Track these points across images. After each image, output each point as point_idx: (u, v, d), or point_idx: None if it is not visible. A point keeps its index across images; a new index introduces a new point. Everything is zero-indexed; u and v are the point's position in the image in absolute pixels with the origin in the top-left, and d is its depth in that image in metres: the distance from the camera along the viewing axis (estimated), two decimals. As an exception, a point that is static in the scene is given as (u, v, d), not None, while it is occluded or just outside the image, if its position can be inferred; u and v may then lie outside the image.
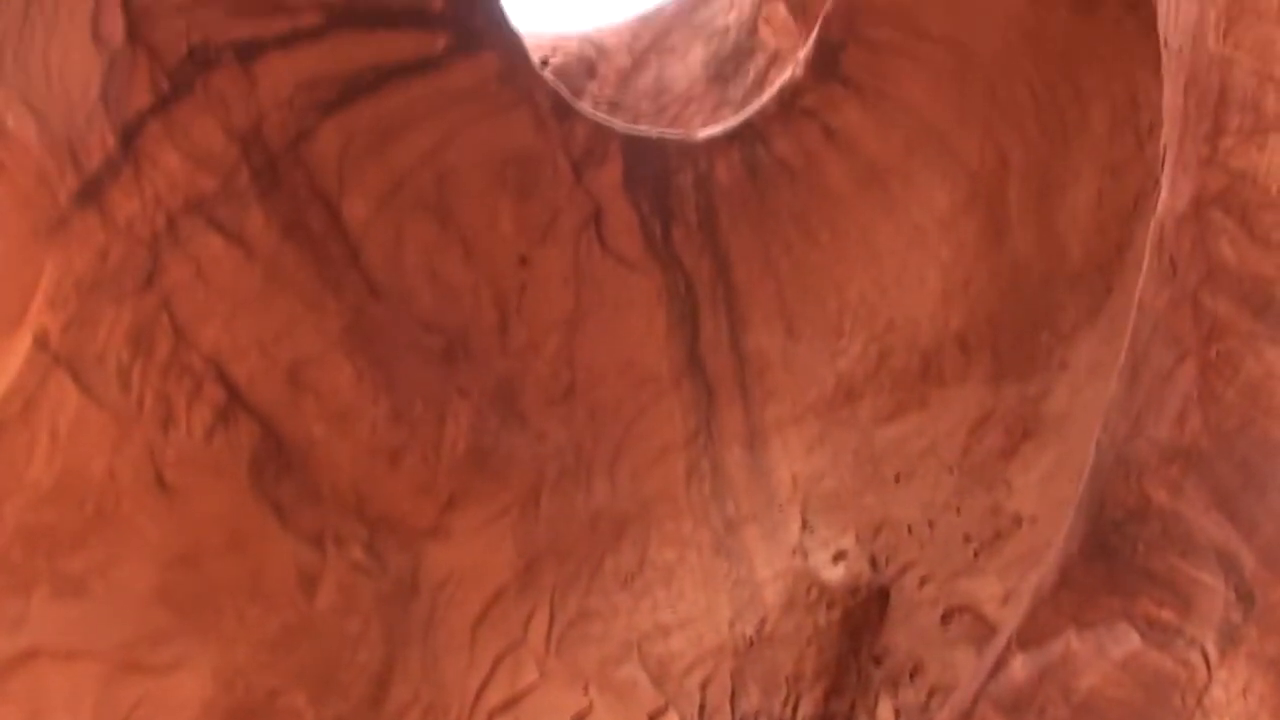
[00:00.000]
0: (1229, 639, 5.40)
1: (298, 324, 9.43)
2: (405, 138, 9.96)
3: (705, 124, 12.03)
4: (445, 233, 10.24)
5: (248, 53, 9.22)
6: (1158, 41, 5.50)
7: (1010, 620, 7.33)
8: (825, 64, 10.51)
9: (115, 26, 8.49)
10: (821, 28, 10.55)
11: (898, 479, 10.00)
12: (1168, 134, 5.27)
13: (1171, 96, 5.11)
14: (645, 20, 15.24)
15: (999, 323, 9.94)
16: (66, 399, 8.27)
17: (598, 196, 10.75)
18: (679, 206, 10.77)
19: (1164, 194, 5.19)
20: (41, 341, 8.17)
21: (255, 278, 9.21)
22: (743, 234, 10.77)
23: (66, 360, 8.27)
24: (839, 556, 9.97)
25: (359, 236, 9.81)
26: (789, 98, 10.82)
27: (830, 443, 10.25)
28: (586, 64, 14.31)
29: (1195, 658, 5.59)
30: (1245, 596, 5.26)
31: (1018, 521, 9.54)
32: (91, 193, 8.35)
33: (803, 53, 10.92)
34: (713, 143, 10.97)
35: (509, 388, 10.58)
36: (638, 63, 14.64)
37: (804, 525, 10.17)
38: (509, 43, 10.65)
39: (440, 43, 10.08)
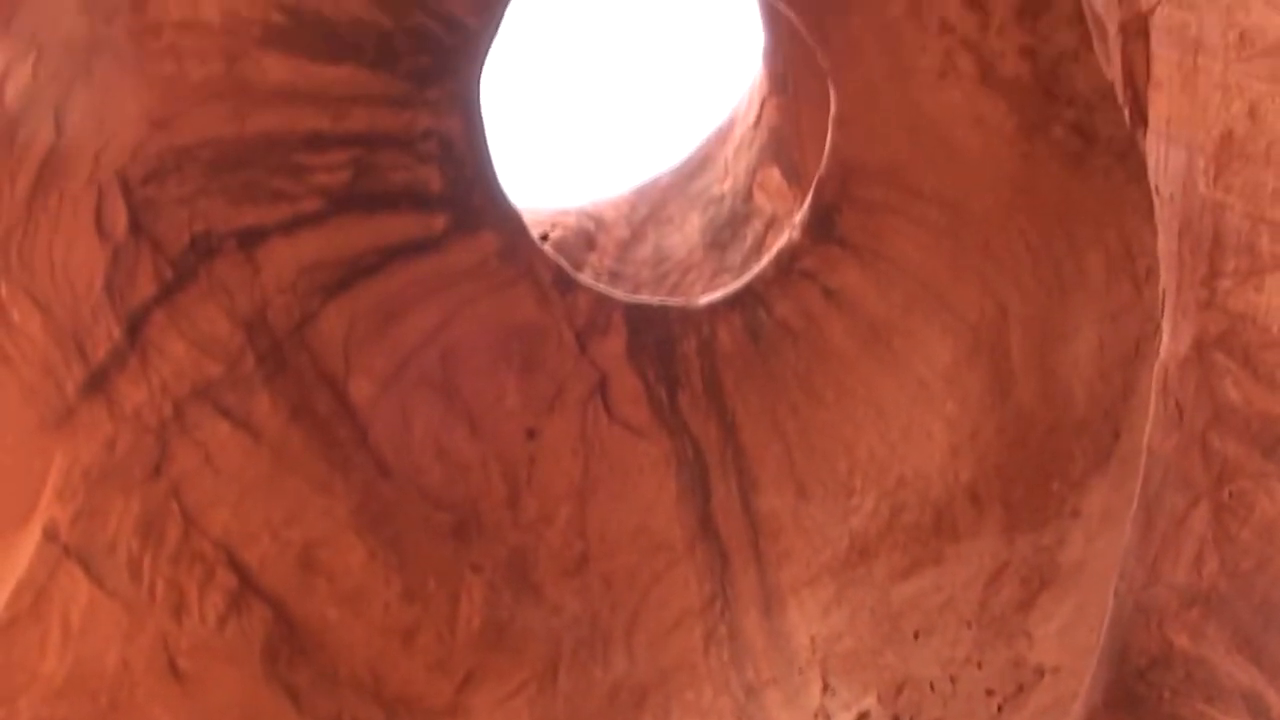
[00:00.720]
0: (1259, 781, 5.28)
1: (307, 506, 9.41)
2: (409, 317, 10.06)
3: (706, 290, 12.15)
4: (452, 409, 10.28)
5: (250, 240, 9.36)
6: (1149, 189, 5.58)
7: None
8: (821, 226, 10.68)
9: (118, 219, 8.64)
10: (816, 191, 10.74)
11: (917, 636, 9.85)
12: (1165, 280, 5.31)
13: (1166, 243, 5.16)
14: (641, 192, 15.47)
15: (1009, 474, 9.90)
16: (78, 591, 8.23)
17: (603, 366, 10.81)
18: (684, 373, 10.83)
19: (1165, 339, 5.21)
20: (51, 534, 8.17)
21: (263, 462, 9.23)
22: (748, 397, 10.81)
23: (77, 552, 8.26)
24: (862, 717, 9.79)
25: (366, 417, 9.85)
26: (787, 261, 10.96)
27: (847, 602, 10.13)
28: (586, 237, 14.49)
29: (1225, 801, 5.48)
30: (1273, 738, 5.17)
31: (1040, 673, 9.36)
32: (98, 383, 8.44)
33: (799, 216, 11.09)
34: (714, 308, 11.08)
35: (522, 561, 10.51)
36: (636, 233, 14.82)
37: (825, 688, 10.00)
38: (508, 220, 10.82)
39: (440, 223, 10.24)
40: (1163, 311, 5.31)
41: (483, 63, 10.08)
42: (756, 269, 11.24)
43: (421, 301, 10.13)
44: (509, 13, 10.00)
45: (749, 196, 14.23)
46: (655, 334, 10.98)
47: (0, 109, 8.12)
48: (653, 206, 15.15)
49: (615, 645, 10.68)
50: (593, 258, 14.31)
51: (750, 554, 10.59)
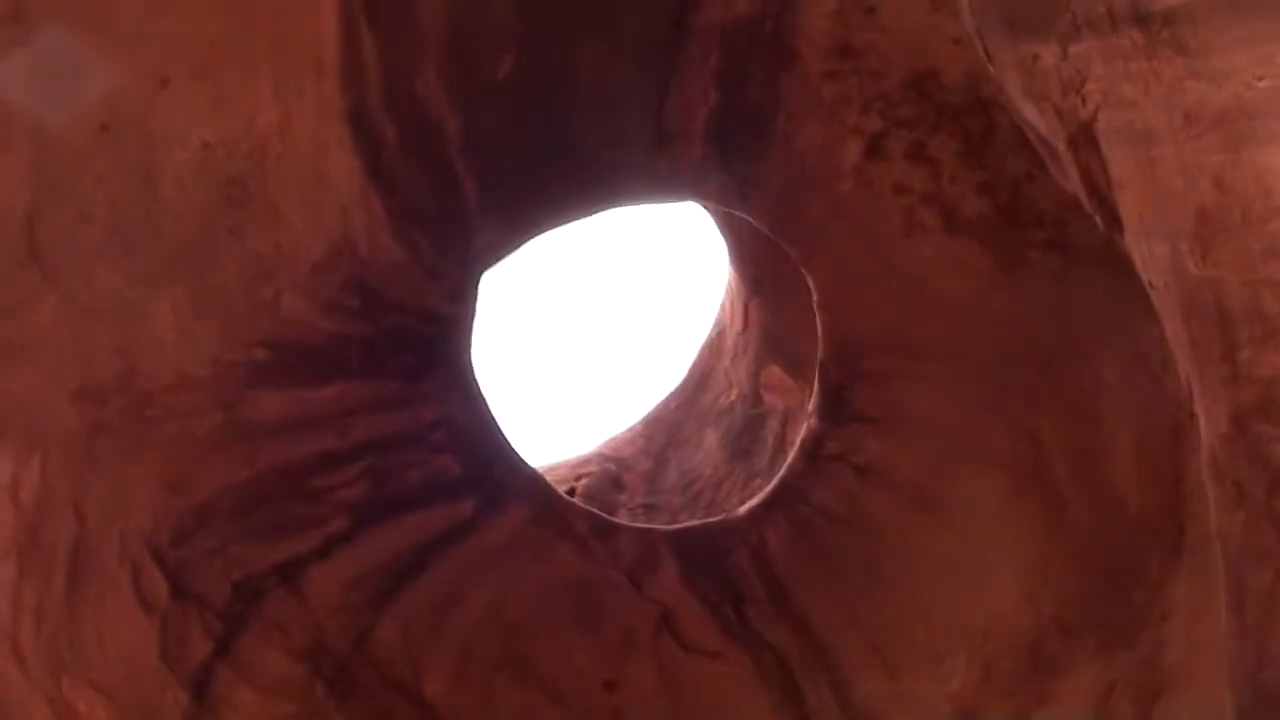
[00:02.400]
0: None
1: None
2: (462, 604, 9.99)
3: (742, 500, 12.09)
4: (527, 682, 10.11)
5: (289, 573, 9.37)
6: (1138, 284, 5.63)
7: None
8: (836, 408, 10.70)
9: (158, 589, 8.67)
10: (821, 375, 10.81)
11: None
12: (1184, 367, 5.31)
13: (1174, 331, 5.18)
14: (651, 422, 15.55)
15: (1088, 596, 9.70)
16: None
17: (662, 600, 10.67)
18: (744, 586, 10.69)
19: (1203, 424, 5.18)
20: None
21: (356, 786, 9.16)
22: (813, 593, 10.64)
23: None
24: None
25: (447, 712, 9.72)
26: (812, 449, 10.94)
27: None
28: (611, 479, 14.49)
29: None
30: None
31: (1175, 783, 9.11)
32: (178, 752, 8.40)
33: (811, 404, 11.15)
34: (755, 515, 11.01)
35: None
36: (659, 463, 14.85)
37: None
38: (533, 485, 10.85)
39: (468, 507, 10.26)
40: (1192, 399, 5.30)
41: (469, 342, 10.23)
42: (785, 466, 11.22)
43: (470, 586, 10.08)
44: (482, 291, 10.17)
45: (758, 400, 14.32)
46: (705, 555, 10.89)
47: (21, 517, 8.22)
48: (668, 433, 15.22)
49: None
50: (623, 498, 14.30)
51: None
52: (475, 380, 10.42)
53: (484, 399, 10.52)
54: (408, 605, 9.83)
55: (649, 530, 11.14)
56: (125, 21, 7.56)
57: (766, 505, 11.04)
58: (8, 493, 8.15)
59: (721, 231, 14.02)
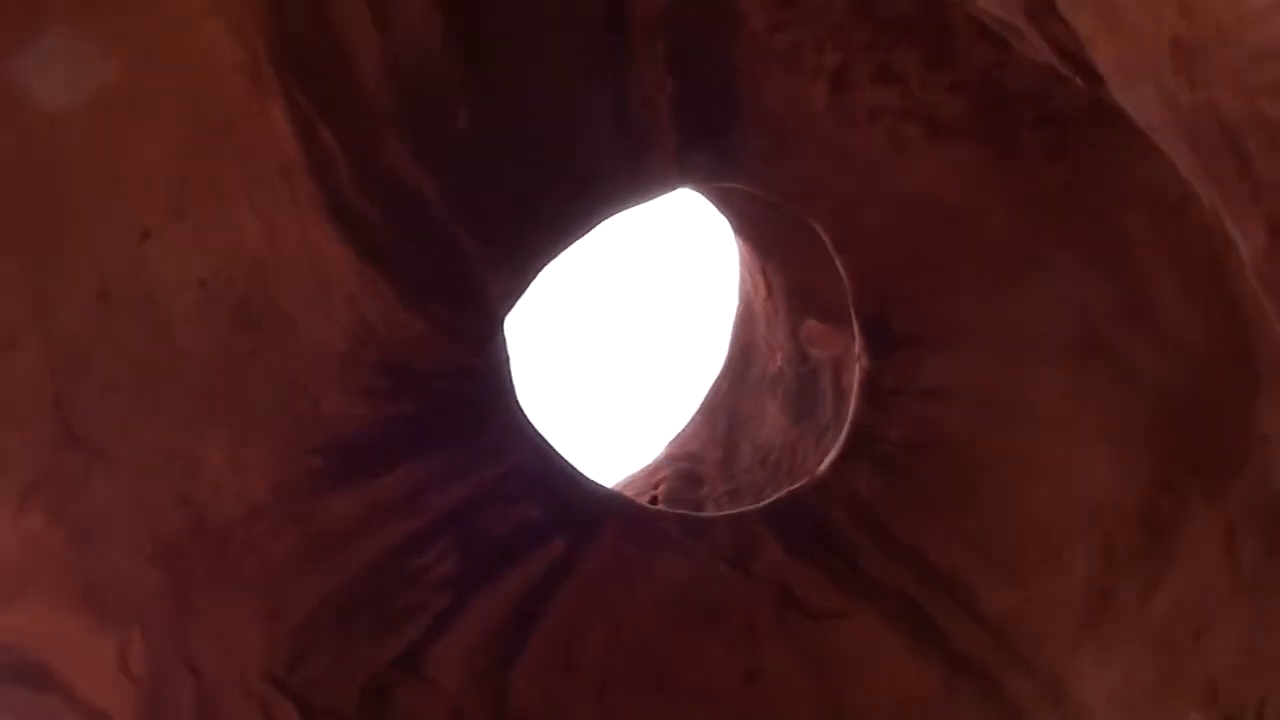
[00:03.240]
0: None
1: None
2: (585, 639, 9.99)
3: (819, 458, 12.05)
4: (669, 694, 10.09)
5: (411, 662, 9.43)
6: (1140, 130, 5.60)
7: None
8: (881, 340, 10.63)
9: (290, 716, 8.79)
10: (857, 314, 10.76)
11: (1197, 636, 9.41)
12: (1207, 196, 5.26)
13: (1187, 164, 5.14)
14: (710, 411, 15.56)
15: (1180, 447, 9.54)
16: None
17: (775, 578, 10.62)
18: (849, 539, 10.61)
19: (1242, 245, 5.12)
20: None
21: None
22: (917, 526, 10.54)
23: None
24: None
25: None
26: (871, 388, 10.88)
27: (1118, 647, 9.67)
28: (687, 476, 14.51)
29: None
30: None
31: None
32: None
33: (857, 345, 11.10)
34: (837, 468, 10.94)
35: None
36: (728, 447, 14.85)
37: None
38: (615, 504, 10.86)
39: (559, 545, 10.26)
40: (1223, 223, 5.24)
41: (512, 386, 10.23)
42: (850, 412, 11.16)
43: (586, 619, 10.09)
44: (509, 336, 10.18)
45: (804, 358, 14.29)
46: (802, 522, 10.83)
47: (140, 691, 8.31)
48: (728, 415, 15.23)
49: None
50: (705, 491, 14.30)
51: (1007, 660, 10.21)
52: (529, 420, 10.43)
53: (542, 436, 10.54)
54: (533, 657, 9.85)
55: (740, 514, 11.10)
56: (86, 195, 7.65)
57: (845, 455, 10.98)
58: (121, 672, 8.23)
59: (719, 208, 14.01)
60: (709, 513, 11.52)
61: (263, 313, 8.50)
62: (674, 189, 10.78)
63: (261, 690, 8.70)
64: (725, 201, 13.70)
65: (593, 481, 10.89)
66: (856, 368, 11.16)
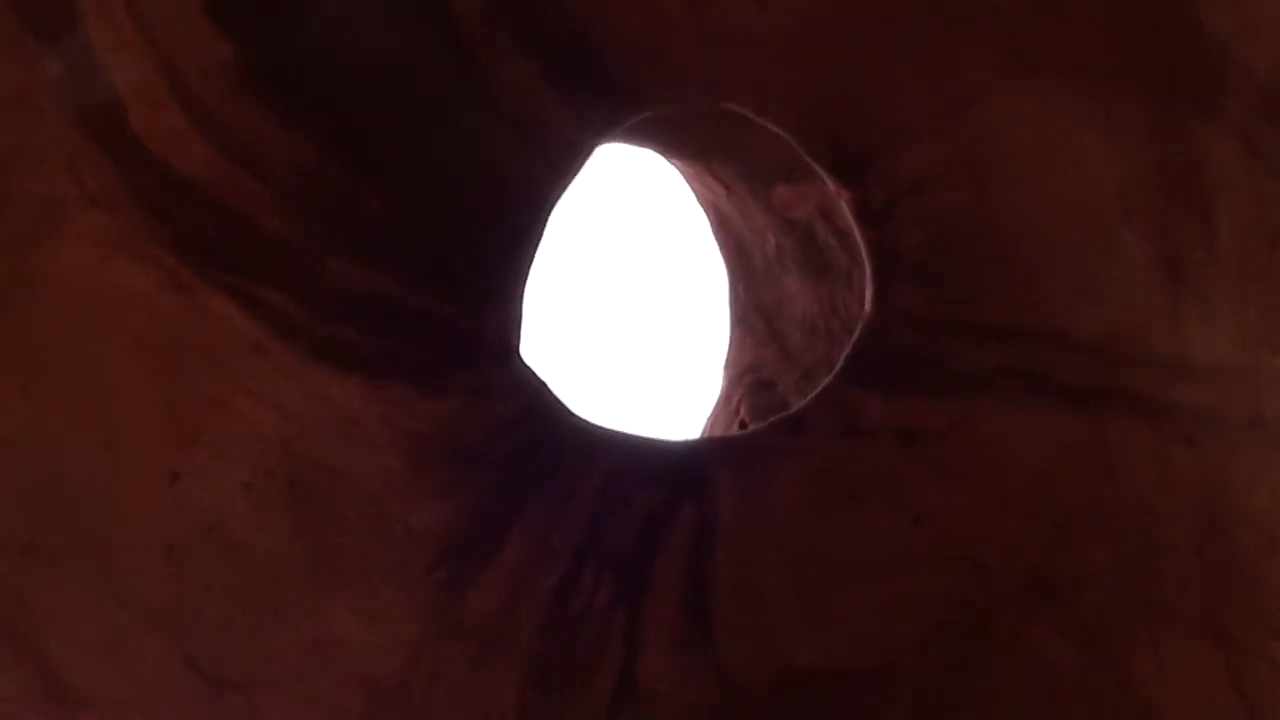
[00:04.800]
0: None
1: None
2: (760, 581, 9.88)
3: (860, 301, 11.93)
4: (859, 579, 10.04)
5: (629, 688, 9.56)
6: None
7: None
8: (846, 168, 10.37)
9: None
10: (814, 158, 10.65)
11: (1273, 243, 9.24)
12: None
13: None
14: (739, 320, 15.60)
15: (1156, 79, 9.26)
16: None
17: (888, 426, 10.30)
18: (927, 353, 10.35)
19: None
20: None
21: None
22: (979, 306, 10.20)
23: None
24: None
25: (828, 662, 9.72)
26: (867, 213, 10.63)
27: (1212, 294, 9.52)
28: (758, 387, 14.55)
29: None
30: None
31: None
32: None
33: (831, 186, 11.03)
34: (879, 300, 10.75)
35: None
36: (776, 339, 14.89)
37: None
38: (716, 452, 10.86)
39: (689, 514, 10.17)
40: None
41: (556, 399, 10.30)
42: (862, 244, 11.05)
43: (749, 561, 10.01)
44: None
45: (790, 225, 14.29)
46: (880, 364, 10.72)
47: None
48: (759, 313, 15.26)
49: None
50: (781, 389, 14.34)
51: (1127, 370, 9.94)
52: (591, 424, 10.45)
53: (610, 430, 10.55)
54: (724, 621, 9.84)
55: (823, 390, 11.01)
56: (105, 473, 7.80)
57: (879, 285, 10.87)
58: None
59: (643, 145, 14.02)
60: (794, 405, 11.46)
61: (314, 480, 8.58)
62: (594, 149, 10.72)
63: None
64: (645, 136, 13.69)
65: (681, 442, 10.91)
66: (842, 205, 11.10)
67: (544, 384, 10.14)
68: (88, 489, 8.00)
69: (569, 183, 10.26)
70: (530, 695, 9.27)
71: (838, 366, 11.21)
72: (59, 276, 7.65)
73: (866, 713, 9.36)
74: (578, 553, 9.76)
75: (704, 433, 15.13)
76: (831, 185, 10.91)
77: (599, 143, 10.84)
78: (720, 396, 15.28)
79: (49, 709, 8.10)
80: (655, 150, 14.30)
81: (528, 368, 10.02)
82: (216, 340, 8.07)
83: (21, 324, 7.65)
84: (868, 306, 11.09)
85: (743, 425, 13.77)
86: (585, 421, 10.47)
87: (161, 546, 8.17)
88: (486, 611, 9.32)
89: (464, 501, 9.31)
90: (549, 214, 10.08)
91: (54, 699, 8.06)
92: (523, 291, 9.92)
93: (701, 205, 15.78)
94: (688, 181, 15.47)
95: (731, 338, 15.96)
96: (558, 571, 9.64)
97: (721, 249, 15.93)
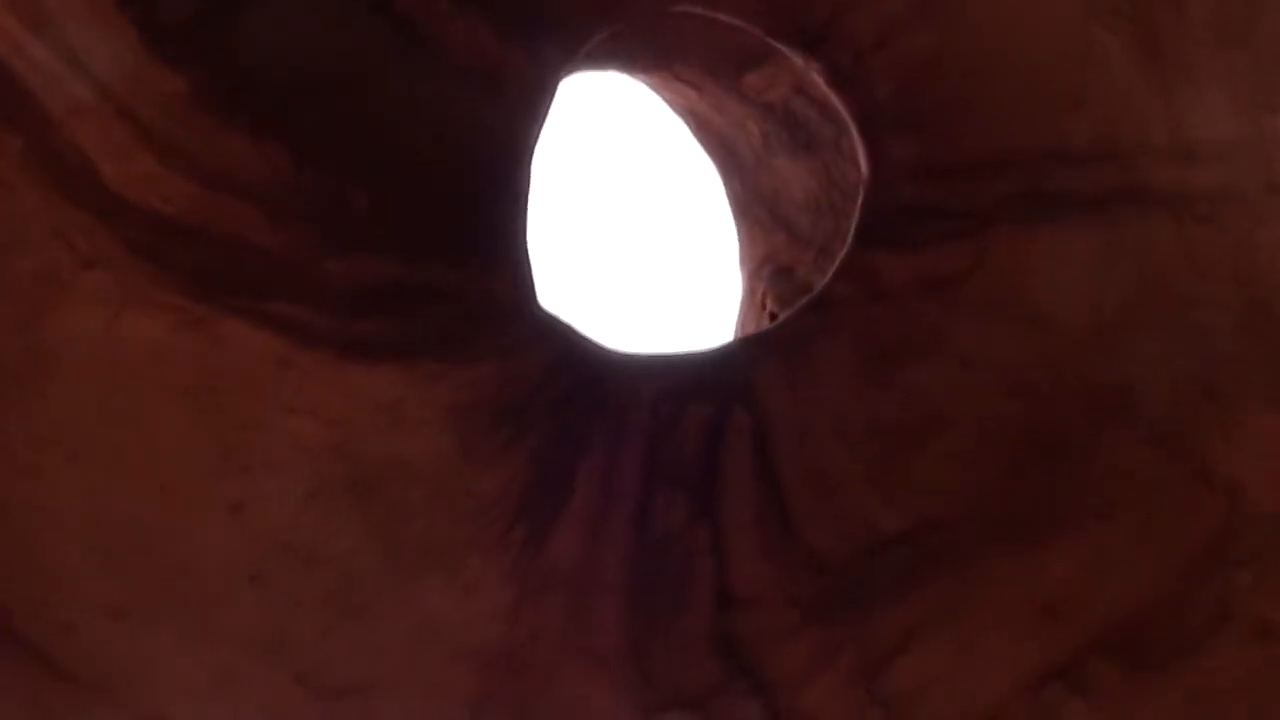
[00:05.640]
0: None
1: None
2: (824, 459, 9.89)
3: (856, 164, 11.84)
4: (916, 434, 9.99)
5: (727, 603, 9.65)
6: None
7: None
8: (806, 40, 10.38)
9: None
10: (774, 37, 10.59)
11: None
12: None
13: None
14: (743, 214, 15.55)
15: None
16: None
17: (914, 278, 10.25)
18: (936, 197, 10.29)
19: None
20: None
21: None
22: (979, 139, 10.05)
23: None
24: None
25: (918, 526, 9.75)
26: (838, 78, 10.64)
27: (1203, 80, 9.44)
28: (777, 276, 14.52)
29: None
30: None
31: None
32: None
33: (798, 62, 10.96)
34: (874, 159, 10.66)
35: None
36: (782, 225, 14.85)
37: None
38: (755, 349, 10.85)
39: (744, 420, 10.18)
40: None
41: (586, 340, 10.36)
42: (843, 108, 10.99)
43: (810, 445, 10.01)
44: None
45: (768, 108, 14.21)
46: (892, 222, 10.62)
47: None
48: (760, 202, 15.21)
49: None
50: (801, 272, 14.31)
51: (1143, 164, 9.87)
52: (616, 351, 10.49)
53: (645, 356, 10.60)
54: (807, 512, 9.85)
55: (840, 264, 10.98)
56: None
57: (870, 144, 10.79)
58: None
59: (611, 69, 13.96)
60: (818, 284, 11.43)
61: (373, 475, 8.66)
62: (558, 84, 10.64)
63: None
64: (604, 59, 13.61)
65: (717, 348, 10.91)
66: (814, 76, 11.03)
67: (570, 327, 10.15)
68: (157, 539, 8.09)
69: (541, 124, 10.20)
70: (634, 629, 9.36)
71: (849, 236, 11.18)
72: (74, 344, 7.69)
73: (963, 561, 9.41)
74: (645, 481, 9.80)
75: (736, 334, 15.13)
76: (798, 60, 10.84)
77: (561, 77, 10.76)
78: (743, 294, 15.26)
79: (180, 764, 8.27)
80: (618, 70, 14.20)
81: (550, 315, 10.02)
82: (242, 365, 8.11)
83: (51, 399, 7.71)
84: (863, 169, 11.04)
85: (772, 317, 13.76)
86: (619, 353, 10.48)
87: (244, 576, 8.28)
88: (571, 559, 9.39)
89: (522, 459, 9.35)
90: (530, 160, 10.03)
91: (176, 750, 8.22)
92: (525, 242, 9.90)
93: (676, 112, 15.67)
94: (657, 92, 15.36)
95: (739, 234, 15.90)
96: (630, 503, 9.69)
97: (707, 150, 15.85)
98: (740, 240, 15.89)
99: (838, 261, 10.99)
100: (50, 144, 7.39)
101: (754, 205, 15.42)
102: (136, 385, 7.93)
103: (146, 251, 7.75)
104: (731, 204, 15.92)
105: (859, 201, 11.06)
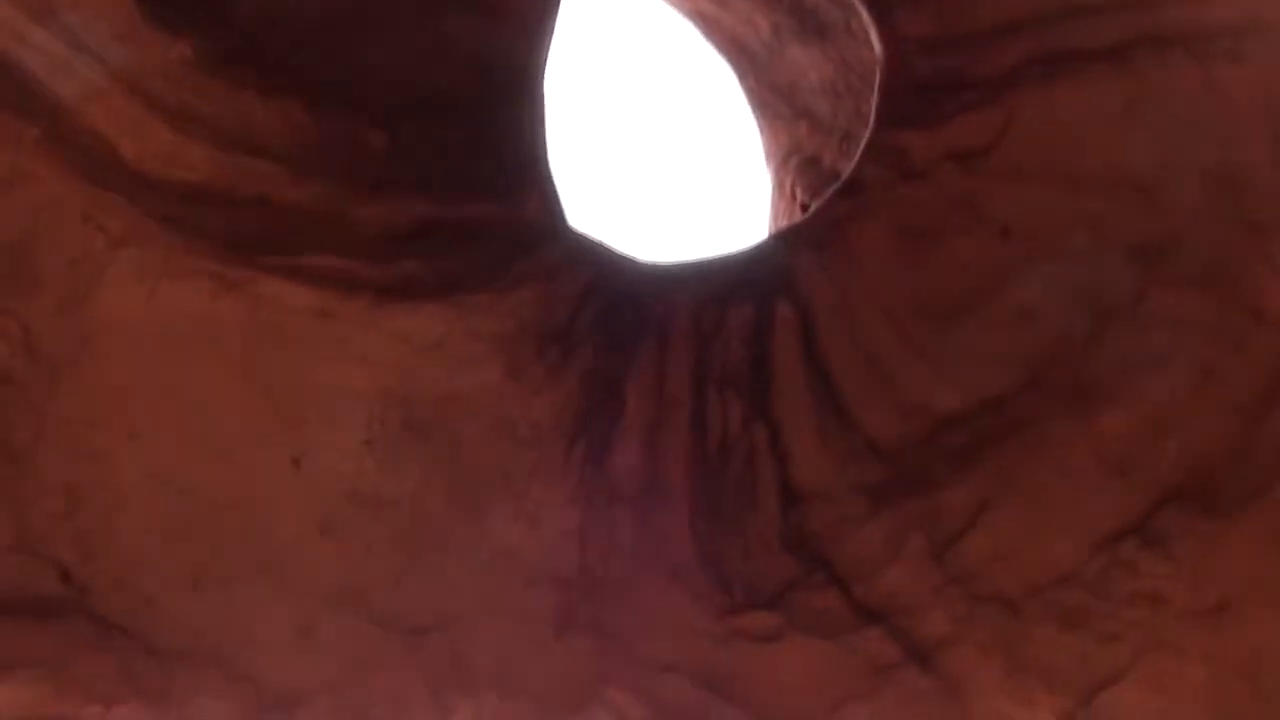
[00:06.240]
0: None
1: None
2: (876, 345, 9.96)
3: (869, 45, 11.70)
4: (964, 313, 9.93)
5: (792, 503, 9.70)
6: None
7: None
8: None
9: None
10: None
11: None
12: None
13: None
14: (762, 110, 15.41)
15: None
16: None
17: (945, 151, 10.03)
18: (958, 65, 10.15)
19: None
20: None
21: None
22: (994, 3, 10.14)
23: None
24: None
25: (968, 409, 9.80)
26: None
27: None
28: (804, 166, 14.42)
29: None
30: None
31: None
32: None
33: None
34: (886, 34, 10.54)
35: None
36: (806, 114, 14.72)
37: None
38: (792, 240, 10.77)
39: (789, 313, 10.10)
40: None
41: (617, 252, 10.34)
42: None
43: (856, 329, 9.95)
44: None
45: (769, 0, 14.04)
46: (915, 96, 10.35)
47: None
48: (779, 94, 15.08)
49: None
50: (827, 159, 14.20)
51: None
52: (651, 263, 10.49)
53: (673, 261, 10.60)
54: (862, 399, 9.79)
55: (867, 143, 10.85)
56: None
57: (879, 24, 10.64)
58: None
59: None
60: (844, 170, 11.31)
61: (427, 415, 8.74)
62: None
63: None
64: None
65: (752, 247, 10.85)
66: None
67: (602, 245, 10.13)
68: (224, 505, 8.20)
69: (549, 44, 10.11)
70: (704, 536, 9.43)
71: (871, 118, 11.04)
72: (117, 324, 7.75)
73: (1024, 429, 9.39)
74: (696, 387, 9.82)
75: (771, 229, 15.06)
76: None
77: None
78: (773, 188, 15.16)
79: (275, 717, 8.41)
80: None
81: (581, 235, 10.00)
82: (285, 322, 8.16)
83: (101, 380, 7.78)
84: (877, 48, 10.88)
85: (804, 208, 13.67)
86: (654, 265, 10.47)
87: (314, 529, 8.39)
88: (633, 473, 9.45)
89: (572, 380, 9.39)
90: (541, 81, 9.96)
91: (271, 706, 8.36)
92: (547, 165, 9.85)
93: (684, 15, 15.51)
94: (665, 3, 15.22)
95: (760, 130, 15.78)
96: (684, 412, 9.72)
97: (718, 49, 15.67)
98: (763, 135, 15.76)
99: (862, 145, 10.86)
100: (66, 130, 7.40)
101: (772, 98, 15.27)
102: (183, 356, 8.00)
103: (176, 223, 7.78)
104: (749, 100, 15.77)
105: (876, 82, 10.90)
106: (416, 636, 8.75)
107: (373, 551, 8.58)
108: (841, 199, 10.59)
